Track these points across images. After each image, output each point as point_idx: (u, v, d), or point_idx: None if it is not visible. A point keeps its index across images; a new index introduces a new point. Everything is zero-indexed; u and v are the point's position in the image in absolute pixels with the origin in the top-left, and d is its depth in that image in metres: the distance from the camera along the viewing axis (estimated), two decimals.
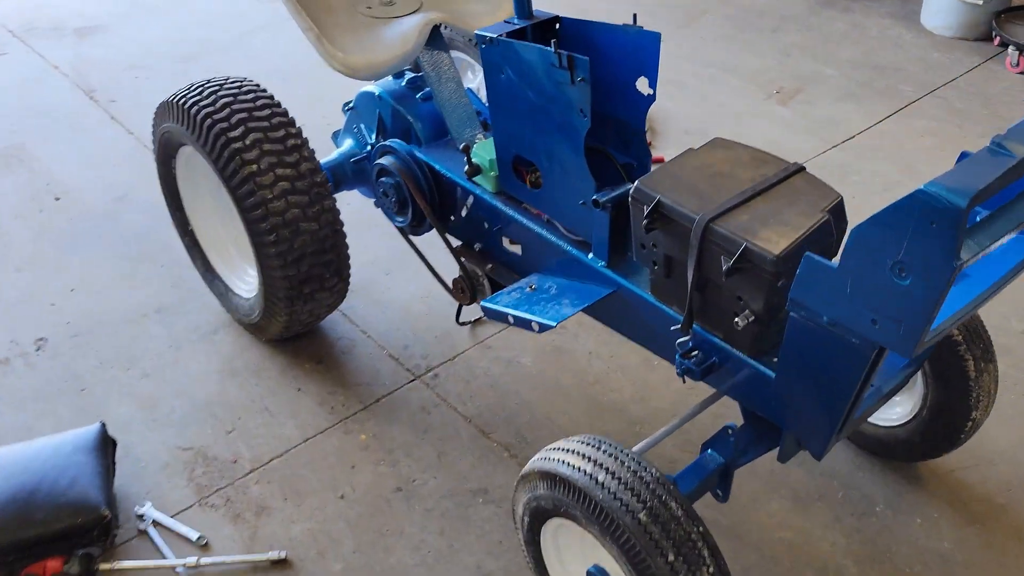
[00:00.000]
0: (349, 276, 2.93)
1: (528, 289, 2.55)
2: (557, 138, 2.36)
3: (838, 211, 2.07)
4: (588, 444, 2.02)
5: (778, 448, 2.25)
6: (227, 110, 2.71)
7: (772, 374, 2.09)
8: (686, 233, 2.06)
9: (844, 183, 3.96)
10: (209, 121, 2.69)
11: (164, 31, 5.34)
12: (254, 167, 2.65)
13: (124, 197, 3.89)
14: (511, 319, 2.47)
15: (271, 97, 2.83)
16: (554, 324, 2.33)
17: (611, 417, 2.90)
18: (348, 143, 3.17)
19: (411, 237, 3.00)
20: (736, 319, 2.04)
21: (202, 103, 2.74)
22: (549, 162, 2.44)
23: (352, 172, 3.12)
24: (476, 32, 2.43)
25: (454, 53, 3.37)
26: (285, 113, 2.80)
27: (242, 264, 3.18)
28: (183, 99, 2.78)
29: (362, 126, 3.09)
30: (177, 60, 5.01)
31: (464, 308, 3.17)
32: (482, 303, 2.53)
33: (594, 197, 2.32)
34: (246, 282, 3.13)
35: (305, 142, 2.78)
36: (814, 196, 2.08)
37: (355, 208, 3.46)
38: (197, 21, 5.46)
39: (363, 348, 3.15)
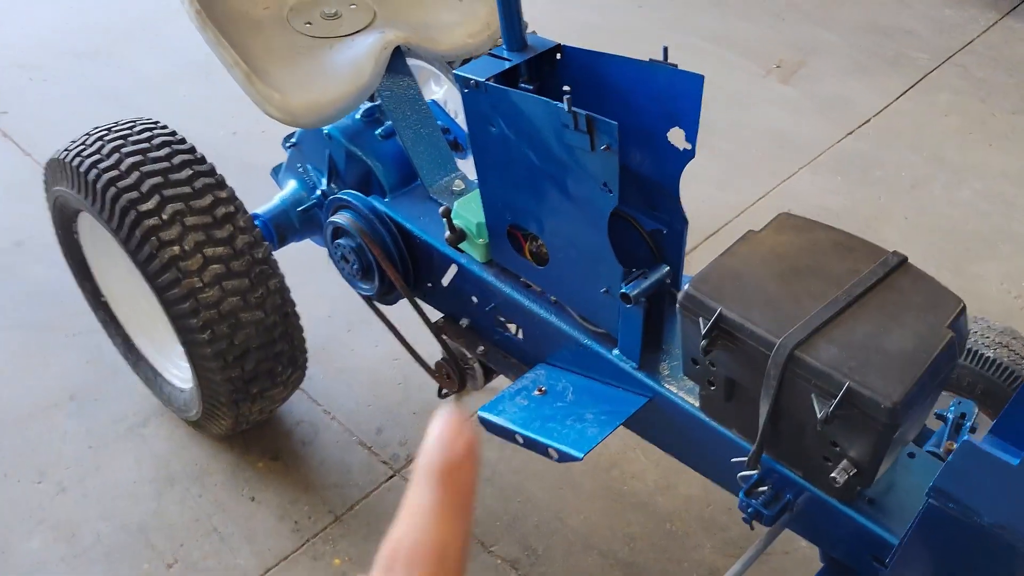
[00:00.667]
0: (306, 362, 2.38)
1: (537, 392, 2.03)
2: (570, 211, 1.82)
3: (960, 326, 1.57)
4: None
5: None
6: (135, 173, 2.10)
7: (878, 531, 1.61)
8: (760, 358, 1.55)
9: (867, 179, 3.47)
10: (113, 190, 2.08)
11: (56, 16, 4.53)
12: (176, 249, 2.06)
13: (22, 243, 3.21)
14: (520, 440, 1.95)
15: (191, 149, 2.22)
16: (580, 456, 1.82)
17: (635, 514, 2.41)
18: (292, 185, 2.58)
19: (380, 306, 2.44)
20: (833, 474, 1.54)
21: (101, 164, 2.12)
22: (558, 238, 1.90)
23: (300, 221, 2.54)
24: (456, 73, 1.85)
25: (411, 61, 2.76)
26: (211, 170, 2.20)
27: (174, 346, 2.60)
28: (76, 158, 2.17)
29: (308, 167, 2.50)
30: (77, 56, 4.23)
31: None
32: (480, 414, 2.00)
33: (623, 290, 1.78)
34: (180, 368, 2.56)
35: (240, 208, 2.19)
36: (927, 304, 1.57)
37: (301, 245, 2.88)
38: (94, 2, 4.70)
39: (327, 435, 2.61)
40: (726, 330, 1.58)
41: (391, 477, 2.50)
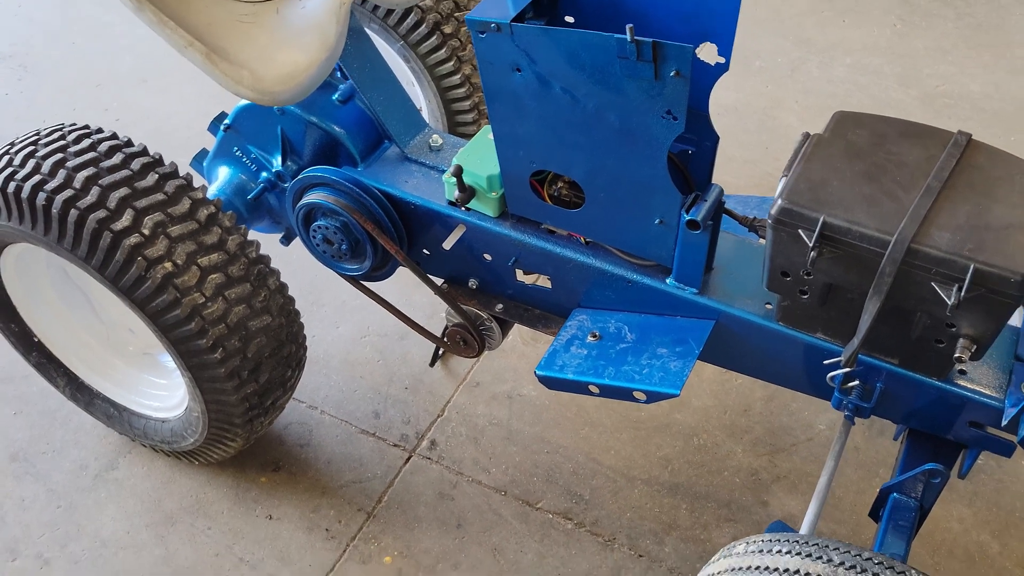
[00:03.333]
0: (306, 359, 2.18)
1: (591, 339, 1.95)
2: (618, 146, 1.73)
3: None
4: (767, 551, 1.53)
5: (959, 465, 1.88)
6: (95, 188, 1.81)
7: (979, 398, 1.68)
8: (871, 258, 1.56)
9: (750, 71, 3.55)
10: (75, 212, 1.78)
11: None
12: (168, 266, 1.81)
13: None
14: (595, 390, 1.88)
15: (144, 150, 1.94)
16: (677, 392, 1.78)
17: (662, 438, 2.40)
18: (225, 172, 2.31)
19: (366, 284, 2.26)
20: (957, 354, 1.58)
21: (49, 185, 1.81)
22: (600, 176, 1.81)
23: (248, 209, 2.29)
24: (469, 18, 1.69)
25: None
26: (175, 170, 1.94)
27: (140, 375, 2.30)
28: (9, 182, 1.83)
29: (252, 148, 2.25)
30: None
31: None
32: (540, 373, 1.91)
33: (689, 217, 1.73)
34: (155, 398, 2.27)
35: (219, 205, 1.95)
36: (1009, 175, 1.62)
37: None
38: None
39: (324, 431, 2.42)
40: (832, 237, 1.57)
41: (408, 459, 2.36)
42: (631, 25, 1.53)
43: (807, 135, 1.77)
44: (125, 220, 1.79)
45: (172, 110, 3.43)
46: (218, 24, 1.94)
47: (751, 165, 3.16)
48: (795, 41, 3.71)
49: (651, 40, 1.54)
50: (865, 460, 2.36)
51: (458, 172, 1.94)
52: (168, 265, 1.81)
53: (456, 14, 2.44)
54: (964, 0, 3.94)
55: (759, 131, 3.31)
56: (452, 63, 2.43)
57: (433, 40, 2.40)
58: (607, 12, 1.84)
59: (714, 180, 1.96)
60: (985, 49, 3.69)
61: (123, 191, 1.82)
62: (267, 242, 2.39)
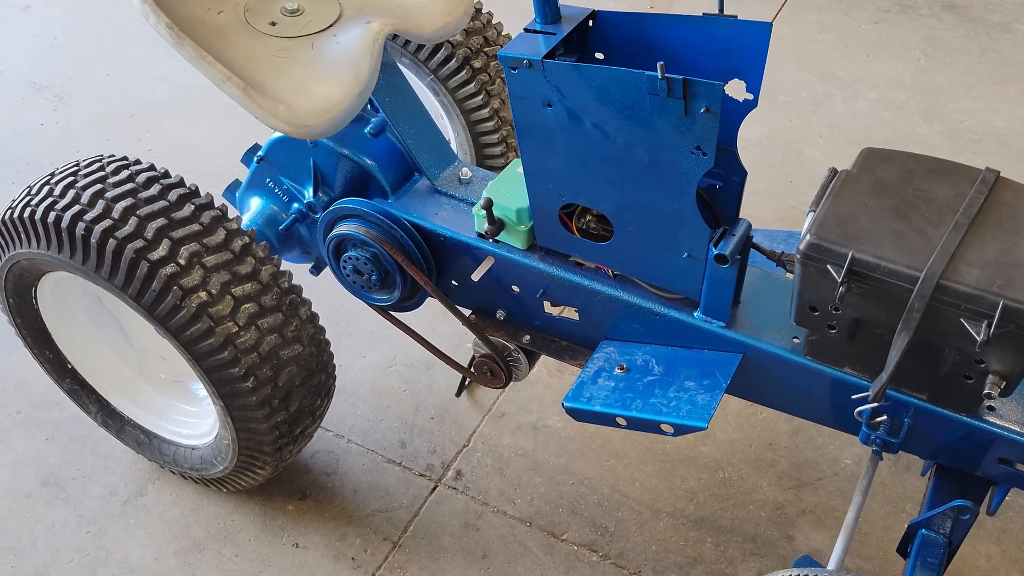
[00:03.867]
0: (335, 389, 2.20)
1: (618, 371, 1.97)
2: (648, 181, 1.75)
3: None
4: None
5: (989, 502, 1.87)
6: (133, 219, 1.85)
7: (1008, 435, 1.68)
8: (899, 294, 1.57)
9: (775, 104, 3.58)
10: (113, 242, 1.82)
11: None
12: (203, 295, 1.84)
13: None
14: (623, 422, 1.89)
15: (181, 181, 1.98)
16: (705, 426, 1.79)
17: (687, 470, 2.40)
18: (258, 203, 2.35)
19: (396, 315, 2.28)
20: (987, 390, 1.58)
21: (88, 215, 1.85)
22: (630, 211, 1.83)
23: (279, 240, 2.33)
24: (501, 54, 1.73)
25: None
26: (211, 201, 1.98)
27: (170, 402, 2.33)
28: (48, 212, 1.88)
29: (284, 180, 2.28)
30: None
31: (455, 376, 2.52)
32: (568, 405, 1.93)
33: (718, 251, 1.75)
34: (185, 425, 2.30)
35: (252, 237, 1.98)
36: None
37: None
38: None
39: (350, 460, 2.43)
40: (861, 272, 1.58)
41: (434, 489, 2.37)
42: (662, 63, 1.56)
43: (834, 171, 1.79)
44: (162, 250, 1.83)
45: (203, 140, 3.49)
46: (255, 59, 1.99)
47: (776, 199, 3.17)
48: (819, 76, 3.73)
49: (681, 77, 1.57)
50: (892, 495, 2.35)
51: (488, 205, 1.97)
52: (203, 294, 1.84)
53: (486, 49, 2.48)
54: (988, 36, 3.95)
55: (784, 165, 3.32)
56: (481, 97, 2.47)
57: (463, 74, 2.44)
58: (637, 48, 1.86)
59: (743, 202, 1.98)
60: (1010, 84, 3.70)
61: (160, 221, 1.86)
62: (296, 272, 2.43)
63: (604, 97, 1.67)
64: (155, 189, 1.91)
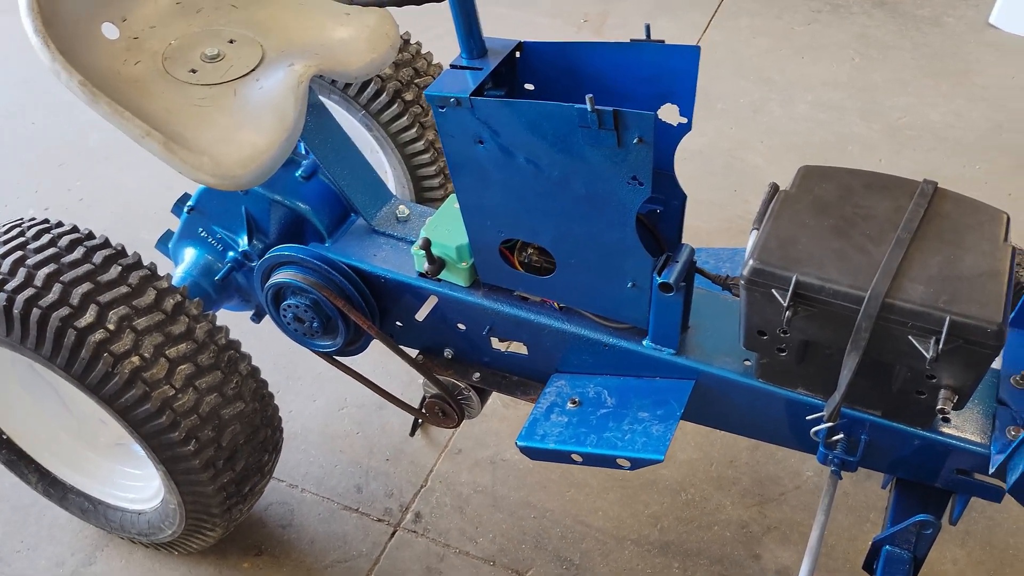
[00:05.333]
0: (282, 442, 2.13)
1: (571, 405, 1.93)
2: (587, 214, 1.72)
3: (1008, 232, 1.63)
4: None
5: (951, 512, 1.86)
6: (57, 286, 1.77)
7: (965, 446, 1.66)
8: (846, 314, 1.55)
9: (713, 113, 3.57)
10: (37, 312, 1.74)
11: None
12: (136, 360, 1.77)
13: None
14: (578, 459, 1.85)
15: (106, 242, 1.91)
16: (661, 458, 1.75)
17: (649, 495, 2.37)
18: (192, 254, 2.28)
19: (342, 360, 2.22)
20: (940, 405, 1.56)
21: (9, 285, 1.77)
22: (570, 243, 1.79)
23: (216, 290, 2.26)
24: (428, 93, 1.68)
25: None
26: (139, 261, 1.91)
27: (113, 466, 2.25)
28: None
29: (217, 229, 2.22)
30: None
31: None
32: (521, 444, 1.88)
33: (662, 280, 1.72)
34: (130, 490, 2.21)
35: (185, 292, 1.91)
36: (977, 222, 1.62)
37: None
38: None
39: (305, 510, 2.36)
40: (806, 296, 1.56)
41: (394, 533, 2.31)
42: (591, 95, 1.53)
43: (775, 186, 1.77)
44: (89, 316, 1.75)
45: (138, 185, 3.40)
46: (175, 110, 1.93)
47: (720, 208, 3.16)
48: (756, 81, 3.73)
49: (612, 109, 1.53)
50: (856, 505, 2.33)
51: (426, 245, 1.92)
52: (135, 359, 1.77)
53: (416, 81, 2.43)
54: (919, 31, 3.99)
55: (726, 173, 3.31)
56: (415, 130, 2.42)
57: (394, 108, 2.39)
58: (567, 77, 1.83)
59: (684, 224, 1.95)
60: (943, 78, 3.73)
61: (86, 286, 1.78)
62: (239, 317, 2.37)
63: (535, 131, 1.63)
64: (79, 252, 1.84)
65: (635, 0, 4.27)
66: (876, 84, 3.70)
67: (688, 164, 3.32)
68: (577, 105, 1.55)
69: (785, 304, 1.55)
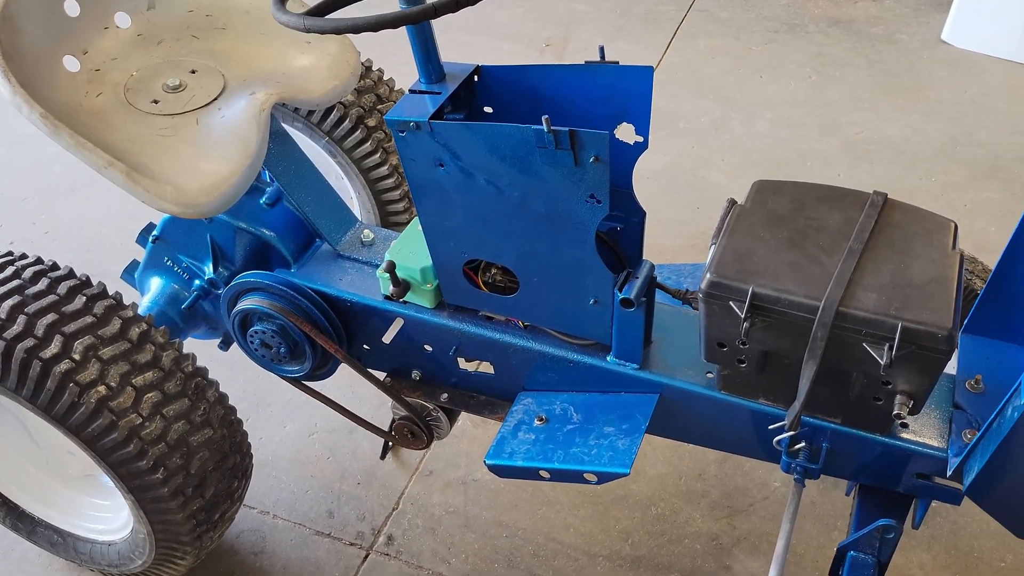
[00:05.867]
0: (252, 467, 2.14)
1: (538, 423, 1.95)
2: (547, 233, 1.75)
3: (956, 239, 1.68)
4: None
5: (912, 515, 1.89)
6: (21, 317, 1.77)
7: (923, 450, 1.70)
8: (802, 324, 1.58)
9: (676, 132, 3.63)
10: (1, 344, 1.74)
11: None
12: (102, 389, 1.77)
13: None
14: (546, 475, 1.87)
15: (71, 272, 1.91)
16: (627, 471, 1.77)
17: (620, 511, 2.39)
18: (158, 283, 2.28)
19: (311, 384, 2.23)
20: (896, 411, 1.60)
21: None
22: (531, 261, 1.82)
23: (183, 319, 2.27)
24: (388, 118, 1.71)
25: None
26: (104, 291, 1.91)
27: (82, 498, 2.24)
28: None
29: (182, 258, 2.23)
30: None
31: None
32: (490, 463, 1.90)
33: (623, 296, 1.75)
34: (100, 520, 2.20)
35: (151, 321, 1.92)
36: (926, 230, 1.66)
37: None
38: None
39: (277, 536, 2.36)
40: (763, 307, 1.59)
41: (366, 557, 2.31)
42: (547, 116, 1.56)
43: (732, 202, 1.81)
44: (54, 347, 1.76)
45: (103, 216, 3.39)
46: (138, 140, 1.94)
47: (684, 225, 3.21)
48: (716, 100, 3.80)
49: (567, 129, 1.56)
50: (822, 513, 2.36)
51: (391, 268, 1.94)
52: (102, 389, 1.77)
53: (379, 107, 2.46)
54: (873, 48, 4.08)
55: (689, 191, 3.36)
56: (379, 155, 2.45)
57: (357, 134, 2.41)
58: (524, 100, 1.86)
59: (648, 242, 1.99)
60: (898, 94, 3.81)
61: (50, 317, 1.79)
62: (206, 345, 2.38)
63: (494, 153, 1.66)
64: (43, 284, 1.84)
65: (596, 24, 4.33)
66: (834, 101, 3.78)
67: (651, 183, 3.37)
68: (534, 126, 1.58)
69: (743, 316, 1.59)
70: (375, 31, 1.55)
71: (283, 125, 2.41)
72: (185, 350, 1.97)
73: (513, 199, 1.72)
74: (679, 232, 3.17)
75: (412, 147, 1.73)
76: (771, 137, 3.59)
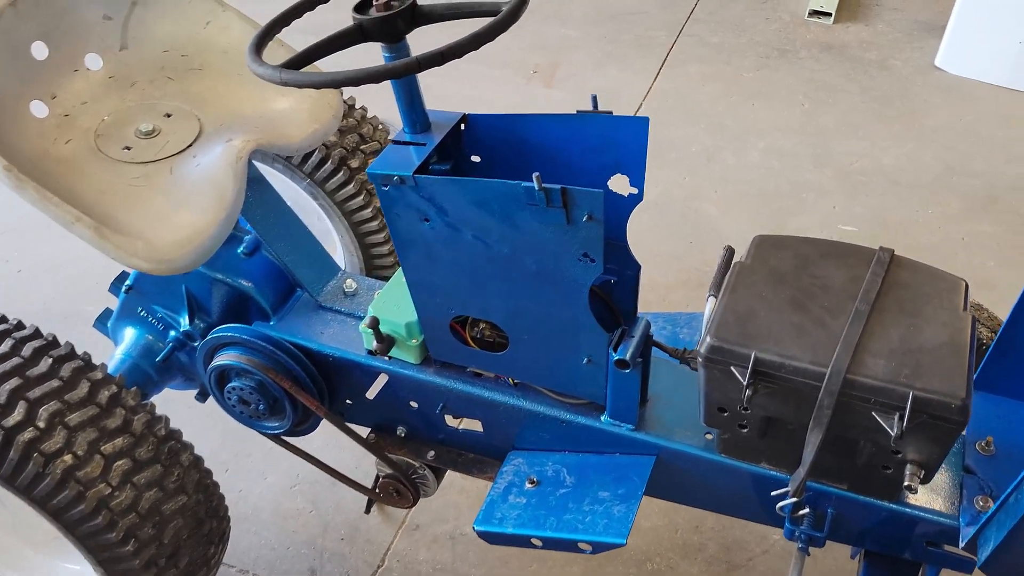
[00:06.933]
0: (230, 530, 2.04)
1: (529, 485, 1.86)
2: (538, 290, 1.66)
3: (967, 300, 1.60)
4: None
5: None
6: None
7: (934, 518, 1.62)
8: (807, 391, 1.50)
9: (666, 162, 3.56)
10: None
11: None
12: (68, 458, 1.67)
13: None
14: (538, 543, 1.78)
15: (36, 332, 1.82)
16: (623, 542, 1.69)
17: (614, 567, 2.30)
18: (132, 334, 2.19)
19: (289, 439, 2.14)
20: (907, 483, 1.52)
21: None
22: (522, 319, 1.73)
23: (158, 372, 2.17)
24: (371, 171, 1.62)
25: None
26: (72, 351, 1.81)
27: (52, 561, 2.13)
28: None
29: (157, 308, 2.14)
30: None
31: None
32: (479, 529, 1.81)
33: (618, 357, 1.66)
34: None
35: (121, 383, 1.82)
36: (936, 291, 1.58)
37: None
38: None
39: None
40: (766, 373, 1.51)
41: None
42: (538, 174, 1.48)
43: (730, 251, 1.73)
44: (17, 414, 1.66)
45: (79, 254, 3.26)
46: (109, 191, 1.85)
47: (677, 260, 3.13)
48: (707, 128, 3.72)
49: (559, 187, 1.48)
50: (826, 570, 2.28)
51: (374, 324, 1.85)
52: (68, 457, 1.67)
53: (363, 147, 2.37)
54: (866, 74, 4.02)
55: (681, 224, 3.29)
56: (362, 198, 2.36)
57: (340, 176, 2.32)
58: (514, 149, 1.78)
59: (640, 276, 1.89)
60: (893, 121, 3.75)
61: (14, 382, 1.68)
62: (182, 397, 2.28)
63: (482, 208, 1.58)
64: (6, 345, 1.74)
65: (585, 50, 4.26)
66: (827, 129, 3.71)
67: (643, 215, 3.27)
68: (524, 183, 1.50)
69: (745, 382, 1.51)
70: (356, 86, 1.47)
71: (262, 167, 2.33)
72: (161, 399, 1.88)
73: (502, 255, 1.64)
74: (671, 267, 3.10)
75: (396, 201, 1.64)
76: (764, 167, 3.52)
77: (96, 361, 1.86)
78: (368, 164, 2.39)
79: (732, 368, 1.53)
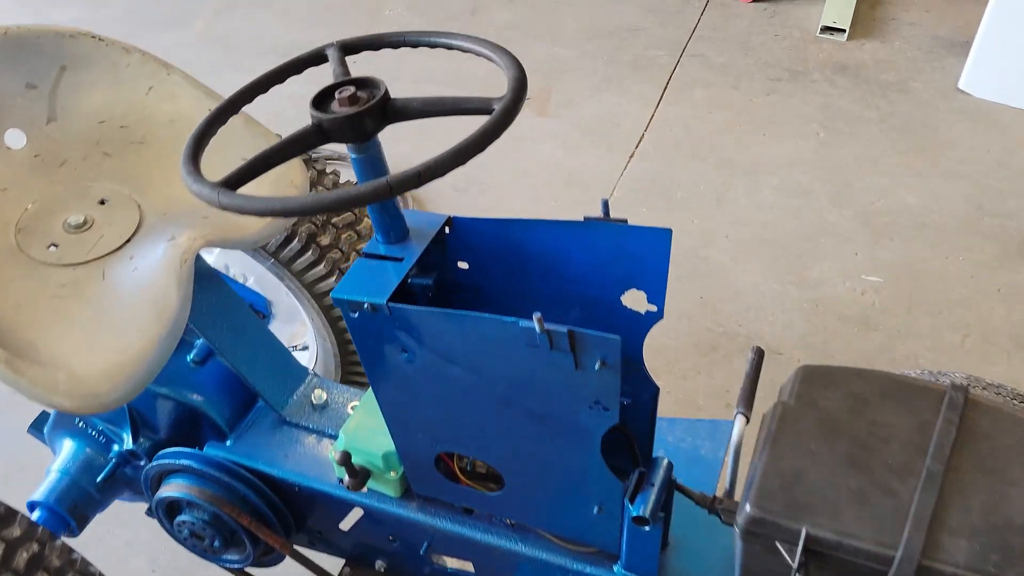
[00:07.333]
0: None
1: None
2: (541, 435, 1.38)
3: None
4: None
5: None
6: None
7: None
8: (868, 574, 1.23)
9: (673, 204, 3.26)
10: None
11: None
12: None
13: None
14: None
15: None
16: None
17: None
18: (70, 446, 1.90)
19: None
20: None
21: None
22: (521, 464, 1.46)
23: (100, 490, 1.89)
24: (335, 295, 1.33)
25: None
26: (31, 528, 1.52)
27: None
28: None
29: (97, 422, 1.85)
30: None
31: None
32: None
33: (636, 513, 1.38)
34: None
35: (47, 537, 1.53)
36: (1021, 443, 1.31)
37: None
38: None
39: None
40: (820, 552, 1.24)
41: None
42: (539, 315, 1.19)
43: (760, 354, 1.47)
44: None
45: None
46: (27, 304, 1.56)
47: (688, 320, 2.84)
48: (715, 163, 3.43)
49: (566, 329, 1.20)
50: None
51: (345, 460, 1.57)
52: None
53: (334, 221, 2.08)
54: (885, 98, 3.73)
55: (691, 277, 3.00)
56: (334, 279, 2.07)
57: (309, 255, 2.03)
58: (509, 255, 1.49)
59: (647, 341, 1.57)
60: (916, 153, 3.46)
61: None
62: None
63: (472, 345, 1.30)
64: None
65: (580, 72, 3.95)
66: (845, 162, 3.43)
67: None
68: (522, 322, 1.21)
69: (795, 565, 1.23)
70: (311, 215, 1.18)
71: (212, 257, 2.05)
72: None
73: (497, 395, 1.35)
74: (682, 329, 2.81)
75: (367, 331, 1.36)
76: (779, 208, 3.23)
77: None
78: (341, 240, 2.11)
79: (778, 544, 1.26)
